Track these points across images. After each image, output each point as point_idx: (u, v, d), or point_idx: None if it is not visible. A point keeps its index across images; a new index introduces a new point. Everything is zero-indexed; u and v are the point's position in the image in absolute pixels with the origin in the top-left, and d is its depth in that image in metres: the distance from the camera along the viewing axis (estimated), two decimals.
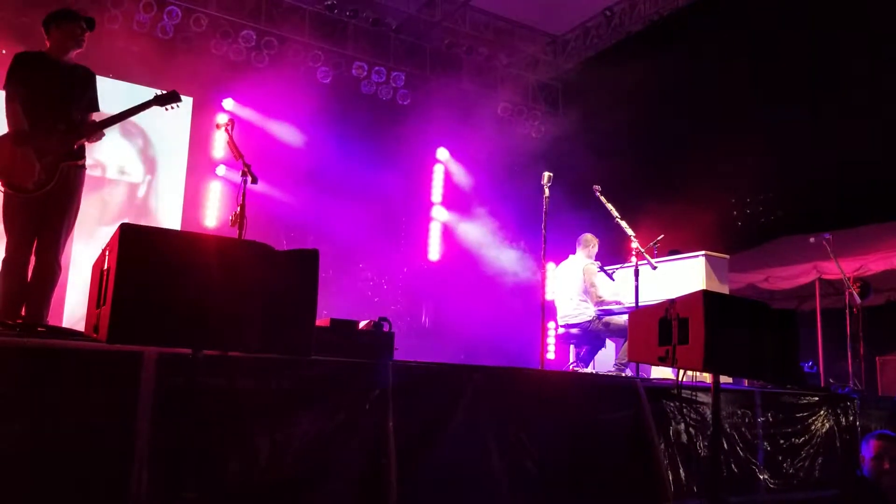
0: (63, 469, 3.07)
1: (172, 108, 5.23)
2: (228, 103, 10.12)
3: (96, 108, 5.14)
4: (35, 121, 4.79)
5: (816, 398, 6.07)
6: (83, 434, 3.13)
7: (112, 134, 8.94)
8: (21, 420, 3.02)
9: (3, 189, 4.69)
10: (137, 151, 9.83)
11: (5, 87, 4.88)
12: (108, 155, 9.39)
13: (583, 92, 11.97)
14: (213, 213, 9.94)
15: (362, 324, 4.45)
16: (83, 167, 5.02)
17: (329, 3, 10.49)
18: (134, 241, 2.82)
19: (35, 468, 3.02)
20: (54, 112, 4.83)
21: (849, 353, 8.22)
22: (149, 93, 5.24)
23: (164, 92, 5.20)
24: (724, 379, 5.04)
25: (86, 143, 5.05)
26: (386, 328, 4.42)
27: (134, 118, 5.17)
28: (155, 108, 5.20)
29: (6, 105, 4.84)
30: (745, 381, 6.32)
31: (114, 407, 3.22)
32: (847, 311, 8.33)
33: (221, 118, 9.68)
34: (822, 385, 7.42)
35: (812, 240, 8.42)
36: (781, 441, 5.72)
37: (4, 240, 4.84)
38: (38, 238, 4.84)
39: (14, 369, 3.06)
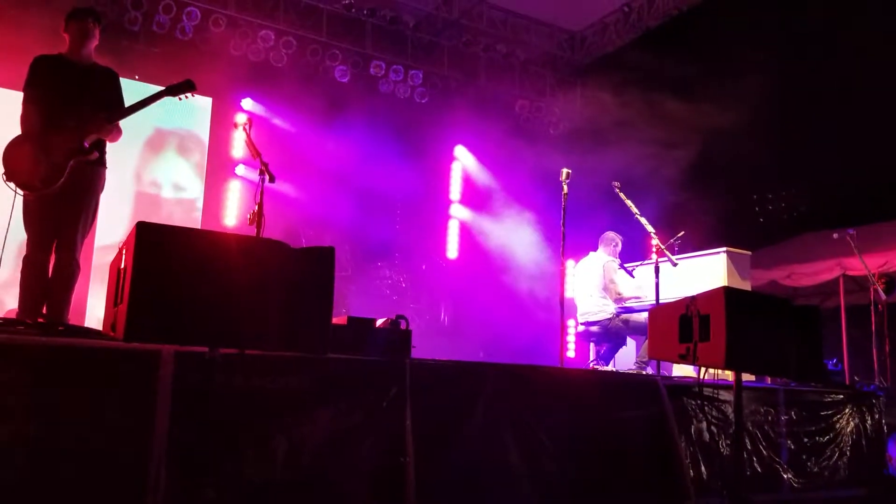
0: (81, 467, 3.08)
1: (186, 97, 5.15)
2: (247, 103, 10.16)
3: (120, 107, 5.07)
4: (49, 120, 4.80)
5: (841, 396, 5.98)
6: (101, 432, 3.14)
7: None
8: (40, 418, 3.03)
9: (15, 189, 4.71)
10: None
11: (24, 90, 4.93)
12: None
13: (601, 88, 11.87)
14: (232, 212, 9.99)
15: (379, 322, 4.44)
16: (100, 165, 5.03)
17: (347, 2, 10.51)
18: (150, 239, 2.83)
19: (54, 466, 3.03)
20: (68, 111, 4.83)
21: (874, 350, 8.10)
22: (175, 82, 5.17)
23: (178, 82, 5.12)
24: (746, 376, 4.98)
25: (106, 141, 5.06)
26: (403, 326, 4.40)
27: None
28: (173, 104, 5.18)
29: (22, 107, 4.90)
30: (768, 379, 6.25)
31: (132, 405, 3.22)
32: (872, 307, 8.21)
33: (240, 118, 9.71)
34: (847, 382, 7.32)
35: (836, 235, 8.31)
36: (806, 439, 5.65)
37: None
38: (57, 237, 4.87)
39: (34, 368, 3.08)
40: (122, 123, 5.09)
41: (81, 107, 4.88)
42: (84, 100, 4.93)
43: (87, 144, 4.81)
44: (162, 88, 5.06)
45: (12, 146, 4.75)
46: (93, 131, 4.86)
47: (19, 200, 4.78)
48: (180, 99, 5.14)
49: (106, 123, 4.91)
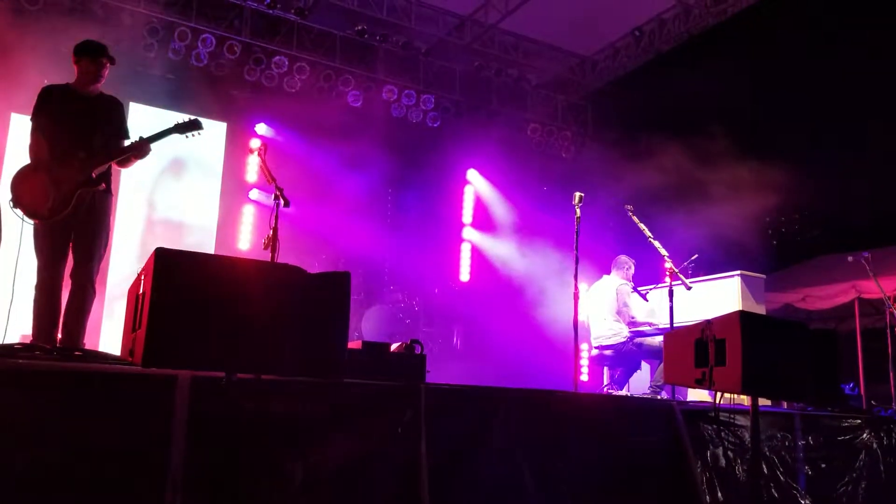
0: (98, 492, 3.08)
1: (193, 135, 5.26)
2: (261, 128, 10.25)
3: (126, 136, 5.20)
4: (57, 150, 4.90)
5: (858, 420, 5.92)
6: (117, 457, 3.14)
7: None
8: (57, 444, 3.04)
9: (23, 217, 4.80)
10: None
11: (32, 119, 5.01)
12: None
13: (613, 111, 11.92)
14: (247, 237, 10.04)
15: (394, 346, 4.44)
16: (108, 193, 5.12)
17: (359, 28, 10.61)
18: (168, 265, 2.85)
19: (70, 492, 3.03)
20: (76, 141, 4.93)
21: (891, 374, 8.02)
22: (183, 120, 5.28)
23: (185, 120, 5.25)
24: (762, 401, 4.94)
25: (116, 166, 5.16)
26: (418, 350, 4.41)
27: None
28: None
29: (30, 136, 4.98)
30: (785, 404, 6.20)
31: (148, 430, 3.23)
32: (888, 330, 8.14)
33: (254, 143, 9.87)
34: (864, 407, 7.26)
35: (850, 258, 8.27)
36: (823, 465, 5.58)
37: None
38: (73, 265, 4.94)
39: (50, 393, 3.09)
40: None
41: (89, 137, 4.98)
42: (91, 131, 5.02)
43: (94, 175, 4.92)
44: (169, 126, 5.17)
45: (21, 175, 4.85)
46: (100, 163, 4.96)
47: (27, 228, 4.87)
48: (187, 137, 5.25)
49: (113, 158, 5.03)
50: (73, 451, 3.07)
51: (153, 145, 5.10)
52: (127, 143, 5.15)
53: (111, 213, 5.21)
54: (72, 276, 4.95)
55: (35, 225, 4.86)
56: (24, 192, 4.78)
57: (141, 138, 5.07)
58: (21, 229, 4.81)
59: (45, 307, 4.87)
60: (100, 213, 5.03)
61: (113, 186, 5.29)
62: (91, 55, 5.11)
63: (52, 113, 4.98)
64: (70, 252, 4.99)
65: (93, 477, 3.08)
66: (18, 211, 4.77)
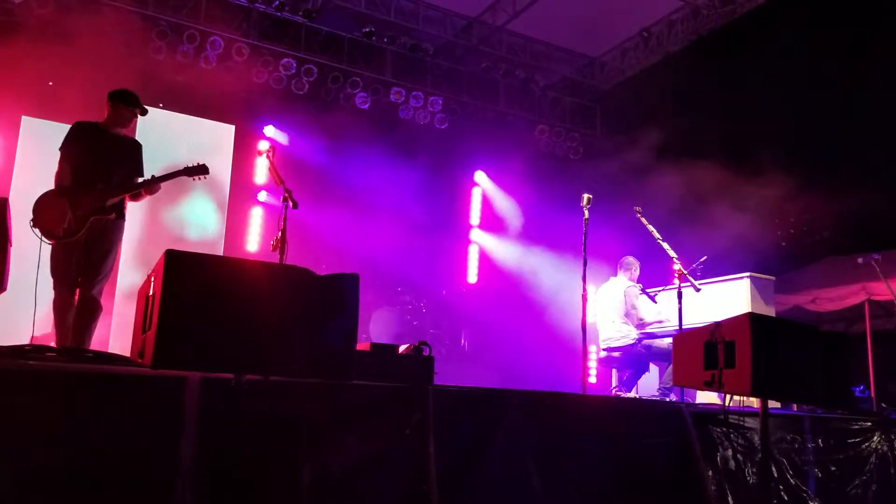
0: (107, 493, 3.09)
1: (200, 178, 5.77)
2: (269, 130, 10.28)
3: (141, 175, 5.70)
4: (79, 180, 5.39)
5: (869, 423, 5.88)
6: (127, 459, 3.15)
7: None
8: (66, 444, 3.04)
9: (41, 237, 5.25)
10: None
11: (60, 150, 5.49)
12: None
13: (621, 113, 11.90)
14: (255, 239, 10.06)
15: (402, 348, 4.44)
16: (120, 220, 5.58)
17: (367, 30, 10.62)
18: (178, 266, 2.86)
19: (80, 492, 3.04)
20: (97, 174, 5.43)
21: None
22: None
23: (194, 164, 5.72)
24: (772, 404, 4.92)
25: (128, 201, 5.65)
26: (426, 352, 4.40)
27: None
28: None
29: (58, 164, 5.48)
30: (794, 406, 6.17)
31: (158, 432, 3.23)
32: None
33: (263, 145, 9.90)
34: (875, 409, 7.21)
35: (860, 260, 8.24)
36: (833, 468, 5.55)
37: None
38: (81, 280, 5.37)
39: (60, 394, 3.10)
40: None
41: (109, 173, 5.48)
42: (112, 167, 5.53)
43: (107, 205, 5.39)
44: (179, 169, 5.71)
45: (44, 199, 5.33)
46: (115, 195, 5.44)
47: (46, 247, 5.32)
48: (195, 180, 5.79)
49: (129, 191, 5.53)
50: (82, 451, 3.07)
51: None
52: (140, 181, 5.64)
53: (121, 236, 5.66)
54: (80, 291, 5.37)
55: (52, 246, 5.30)
56: (44, 214, 5.28)
57: (153, 177, 5.57)
58: (40, 246, 5.28)
59: (61, 319, 5.31)
60: (110, 238, 5.49)
61: None
62: (127, 103, 5.63)
63: (80, 146, 5.48)
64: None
65: (102, 478, 3.09)
66: (37, 231, 5.23)
